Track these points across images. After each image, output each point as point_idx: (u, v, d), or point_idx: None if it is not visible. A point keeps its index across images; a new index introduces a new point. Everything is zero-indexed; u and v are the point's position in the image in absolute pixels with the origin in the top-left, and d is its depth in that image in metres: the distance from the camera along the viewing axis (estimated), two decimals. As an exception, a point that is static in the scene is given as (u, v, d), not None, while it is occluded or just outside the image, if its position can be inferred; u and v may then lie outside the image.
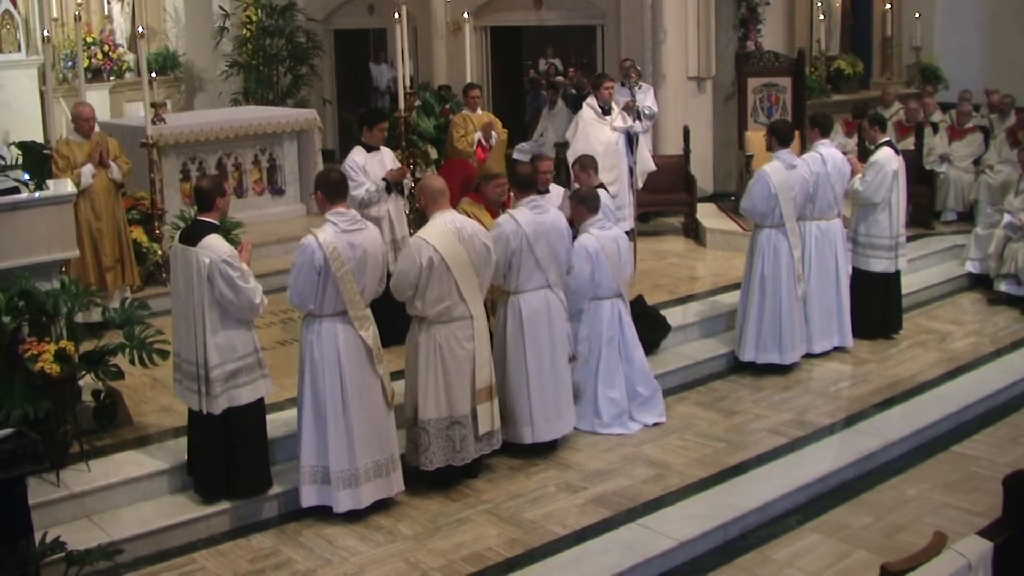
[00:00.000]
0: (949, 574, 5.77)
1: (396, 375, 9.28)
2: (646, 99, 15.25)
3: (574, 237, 10.43)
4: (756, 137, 15.36)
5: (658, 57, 17.30)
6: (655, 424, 10.57)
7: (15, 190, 9.48)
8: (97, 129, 12.47)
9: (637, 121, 14.19)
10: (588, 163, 11.59)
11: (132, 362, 9.26)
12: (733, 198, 16.14)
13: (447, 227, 9.00)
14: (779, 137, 11.89)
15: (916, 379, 11.62)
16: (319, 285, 8.47)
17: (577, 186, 11.52)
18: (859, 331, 12.50)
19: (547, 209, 9.89)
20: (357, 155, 11.33)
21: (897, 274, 12.77)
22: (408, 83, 14.09)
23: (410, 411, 9.19)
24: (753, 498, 9.02)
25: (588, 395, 10.47)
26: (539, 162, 11.33)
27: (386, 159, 11.54)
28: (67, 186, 10.34)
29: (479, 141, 14.25)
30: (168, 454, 9.13)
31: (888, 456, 10.02)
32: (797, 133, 15.41)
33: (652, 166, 14.81)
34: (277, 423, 9.37)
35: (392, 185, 11.37)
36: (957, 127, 17.65)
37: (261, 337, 9.10)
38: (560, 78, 22.96)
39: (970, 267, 14.93)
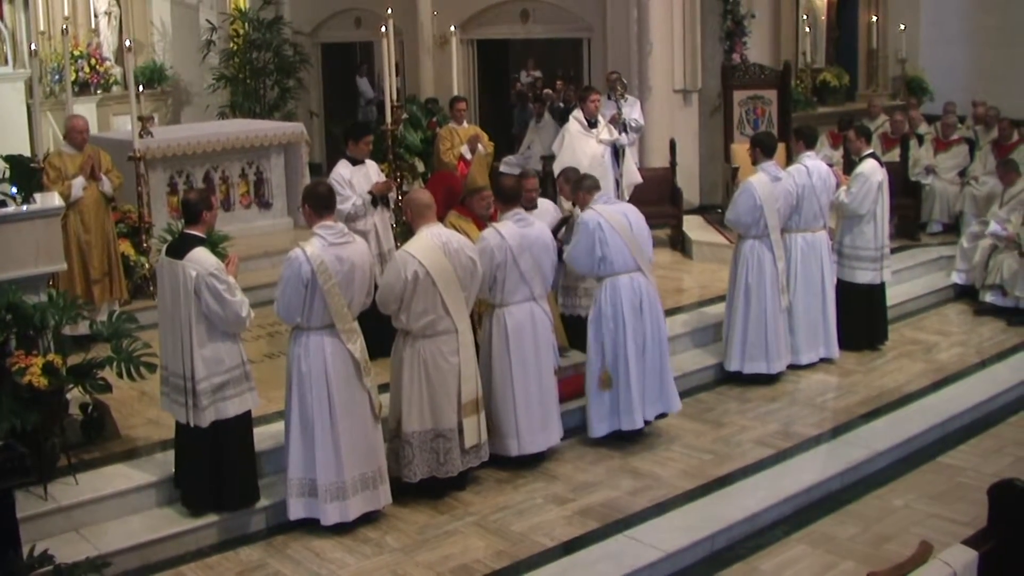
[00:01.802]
0: (935, 583, 5.81)
1: (384, 388, 9.29)
2: (632, 112, 15.29)
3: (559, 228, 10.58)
4: (742, 149, 15.39)
5: (644, 70, 17.36)
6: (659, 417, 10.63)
7: (2, 203, 9.47)
8: (88, 143, 12.48)
9: (623, 134, 14.23)
10: (572, 176, 11.61)
11: (120, 375, 9.26)
12: (720, 210, 16.17)
13: (433, 241, 9.02)
14: (763, 149, 11.95)
15: (902, 390, 11.66)
16: (306, 298, 8.48)
17: (562, 199, 11.55)
18: (844, 343, 12.53)
19: (532, 222, 9.91)
20: (343, 169, 11.35)
21: (882, 286, 12.81)
22: (395, 96, 14.11)
23: (393, 423, 9.21)
24: (740, 509, 9.05)
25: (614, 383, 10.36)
26: (525, 180, 11.34)
27: (371, 172, 11.56)
28: (55, 200, 10.34)
29: (462, 155, 14.28)
30: (156, 467, 9.13)
31: (874, 467, 10.05)
32: (783, 145, 15.49)
33: (638, 179, 14.82)
34: (264, 436, 9.37)
35: (378, 198, 11.39)
36: (942, 139, 17.71)
37: (248, 350, 9.12)
38: (548, 91, 23.02)
39: (956, 278, 14.99)
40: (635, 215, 10.54)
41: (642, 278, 10.36)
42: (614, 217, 10.30)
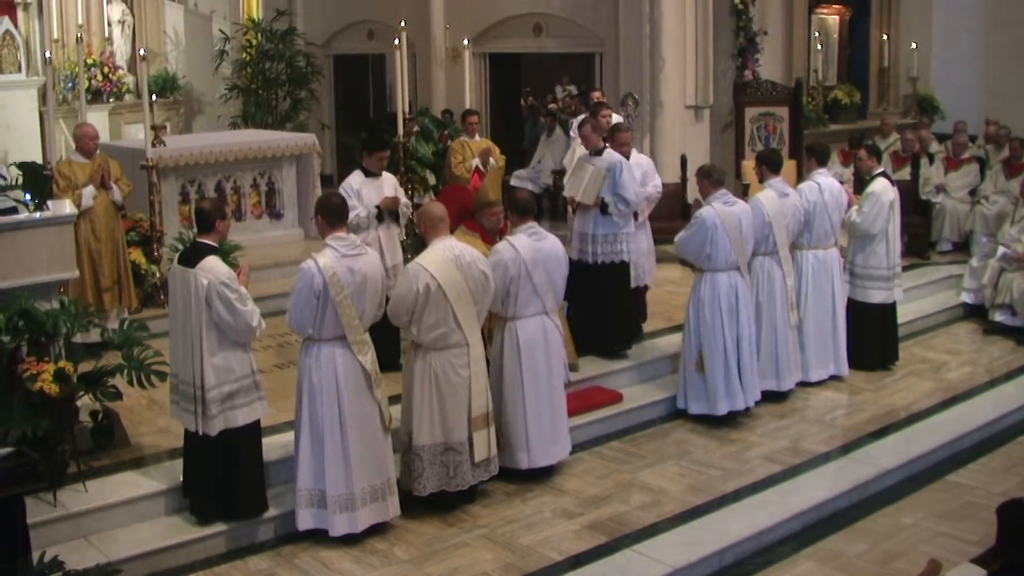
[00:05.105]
0: (944, 601, 5.81)
1: (394, 399, 9.30)
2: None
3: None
4: (753, 166, 15.43)
5: (656, 85, 17.37)
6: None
7: (14, 210, 9.50)
8: (98, 151, 12.50)
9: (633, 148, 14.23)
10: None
11: (130, 383, 9.29)
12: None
13: (446, 254, 9.03)
14: (769, 166, 11.99)
15: (911, 408, 11.66)
16: (318, 309, 8.50)
17: (578, 146, 12.20)
18: (856, 362, 12.54)
19: (545, 236, 9.93)
20: (354, 179, 11.32)
21: (893, 305, 12.81)
22: (407, 109, 14.13)
23: (405, 436, 9.21)
24: (748, 525, 9.05)
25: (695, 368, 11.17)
26: (621, 134, 12.18)
27: (385, 186, 11.47)
28: (67, 207, 10.37)
29: (476, 167, 14.28)
30: (165, 475, 9.15)
31: (883, 484, 10.04)
32: (794, 162, 15.51)
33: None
34: (274, 446, 9.38)
35: (385, 213, 11.35)
36: (953, 158, 17.73)
37: (259, 360, 9.13)
38: (553, 105, 23.02)
39: (965, 297, 14.99)
40: (747, 219, 11.22)
41: (739, 277, 11.08)
42: (728, 218, 10.96)
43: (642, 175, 12.36)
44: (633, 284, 12.37)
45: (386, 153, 11.75)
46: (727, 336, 11.03)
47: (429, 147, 17.19)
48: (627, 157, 12.12)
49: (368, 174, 11.37)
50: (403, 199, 11.66)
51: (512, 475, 9.79)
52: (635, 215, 12.07)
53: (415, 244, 11.54)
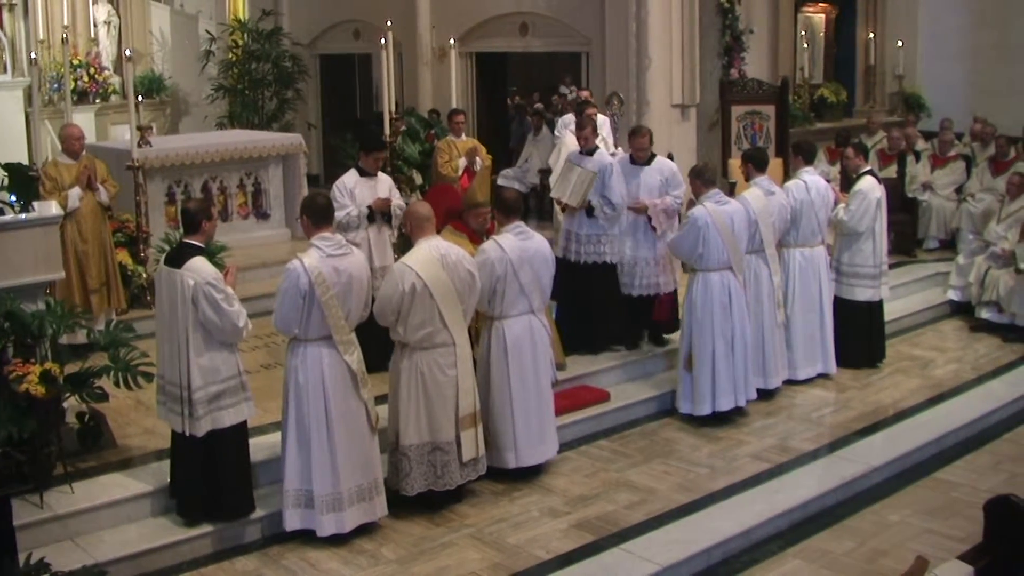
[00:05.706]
0: (931, 598, 5.82)
1: (380, 399, 9.29)
2: (602, 130, 15.27)
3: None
4: (739, 164, 15.44)
5: (643, 84, 17.34)
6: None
7: (0, 212, 9.47)
8: (84, 152, 12.46)
9: (618, 148, 14.24)
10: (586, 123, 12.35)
11: (117, 384, 9.25)
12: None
13: (431, 253, 9.02)
14: (755, 164, 12.03)
15: (898, 406, 11.68)
16: (304, 310, 8.49)
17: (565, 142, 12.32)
18: (843, 360, 12.55)
19: (531, 235, 9.92)
20: (348, 177, 11.29)
21: (880, 303, 12.82)
22: (394, 108, 14.11)
23: (392, 436, 9.20)
24: (736, 523, 9.05)
25: (703, 370, 11.10)
26: (637, 139, 12.30)
27: (380, 187, 11.44)
28: (53, 208, 10.33)
29: (466, 167, 14.25)
30: (152, 476, 9.12)
31: (870, 482, 10.06)
32: (780, 160, 15.51)
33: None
34: (260, 447, 9.36)
35: (376, 214, 11.33)
36: (939, 155, 17.77)
37: (245, 361, 9.10)
38: (539, 105, 23.02)
39: (952, 295, 15.03)
40: (739, 217, 11.23)
41: (732, 276, 11.07)
42: (720, 217, 10.98)
43: (663, 181, 12.23)
44: (647, 292, 12.34)
45: (383, 154, 11.78)
46: (717, 336, 11.01)
47: (416, 147, 17.17)
48: (648, 162, 12.22)
49: (363, 173, 11.34)
50: (397, 201, 11.60)
51: (500, 474, 9.79)
52: (653, 228, 12.07)
53: (403, 245, 11.51)
